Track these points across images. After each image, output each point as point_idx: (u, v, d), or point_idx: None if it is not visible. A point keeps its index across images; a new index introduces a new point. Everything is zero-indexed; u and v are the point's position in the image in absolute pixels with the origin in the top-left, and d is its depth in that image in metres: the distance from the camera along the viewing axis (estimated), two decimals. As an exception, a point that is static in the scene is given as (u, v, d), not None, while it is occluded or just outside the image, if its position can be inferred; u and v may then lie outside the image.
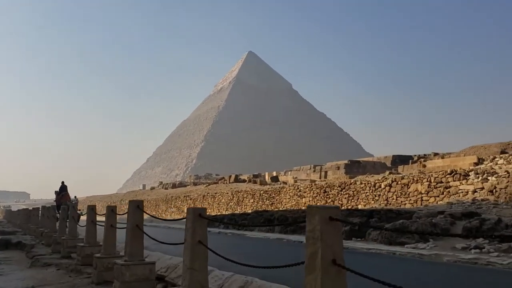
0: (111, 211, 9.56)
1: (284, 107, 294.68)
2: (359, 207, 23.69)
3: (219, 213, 38.26)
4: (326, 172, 67.45)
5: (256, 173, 64.02)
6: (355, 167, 66.83)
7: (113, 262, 9.05)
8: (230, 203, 36.82)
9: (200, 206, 45.04)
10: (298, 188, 29.14)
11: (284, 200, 30.09)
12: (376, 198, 23.21)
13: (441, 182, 20.31)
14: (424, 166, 57.60)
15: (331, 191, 26.20)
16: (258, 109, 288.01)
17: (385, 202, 22.55)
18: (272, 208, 31.27)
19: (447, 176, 20.18)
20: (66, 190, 28.57)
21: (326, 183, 27.63)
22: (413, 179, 21.68)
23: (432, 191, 20.46)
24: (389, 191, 22.77)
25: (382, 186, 23.22)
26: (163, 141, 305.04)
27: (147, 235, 7.34)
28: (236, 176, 56.47)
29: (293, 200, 29.16)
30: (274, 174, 63.44)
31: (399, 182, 22.42)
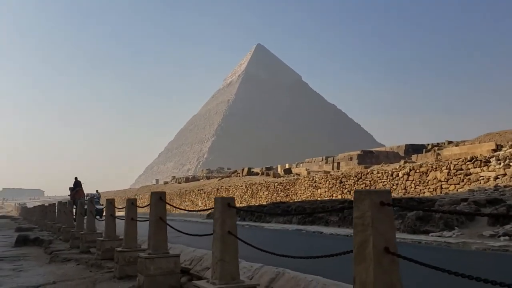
0: (131, 204, 9.38)
1: (294, 99, 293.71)
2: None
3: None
4: (338, 163, 67.02)
5: (268, 166, 63.77)
6: (368, 158, 66.37)
7: (136, 256, 8.91)
8: (245, 196, 36.64)
9: (213, 199, 44.91)
10: (313, 180, 28.85)
11: (299, 192, 29.82)
12: (394, 187, 22.84)
13: (461, 169, 19.90)
14: (439, 154, 57.14)
15: (347, 182, 25.87)
16: (268, 102, 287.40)
17: (403, 191, 22.18)
18: (287, 200, 31.03)
19: (468, 163, 19.76)
20: (80, 186, 28.61)
21: (342, 174, 27.30)
22: (432, 167, 21.28)
23: (452, 178, 20.06)
24: (407, 180, 22.40)
25: (400, 175, 22.85)
26: (174, 136, 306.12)
27: (171, 227, 7.14)
28: (249, 169, 56.29)
29: (308, 192, 28.88)
30: (287, 166, 63.15)
31: (417, 171, 22.03)
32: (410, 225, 12.99)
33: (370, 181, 24.37)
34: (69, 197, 28.81)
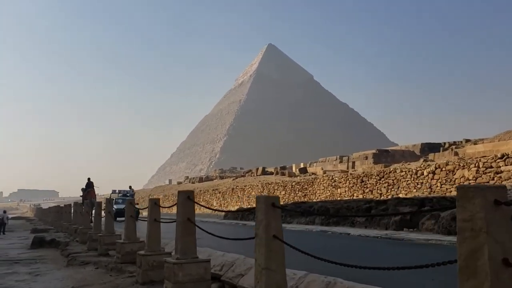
0: (154, 204, 8.80)
1: (305, 99, 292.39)
2: (400, 196, 22.57)
3: (249, 206, 37.53)
4: (353, 163, 66.11)
5: (282, 165, 63.05)
6: (383, 156, 65.36)
7: (160, 260, 8.33)
8: (261, 196, 36.00)
9: (228, 199, 44.55)
10: (332, 179, 28.13)
11: (317, 191, 29.12)
12: (419, 186, 22.06)
13: (491, 167, 19.07)
14: (457, 153, 55.90)
15: (368, 181, 25.11)
16: (280, 102, 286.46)
17: (429, 190, 21.40)
18: (306, 199, 30.33)
19: (498, 160, 18.92)
20: (92, 187, 28.84)
21: (363, 173, 26.53)
22: (459, 165, 20.46)
23: (480, 176, 19.23)
24: (432, 178, 21.59)
25: (425, 173, 22.04)
26: (186, 136, 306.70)
27: (202, 230, 6.53)
28: (263, 168, 55.65)
29: (328, 191, 28.16)
30: (302, 165, 62.40)
31: (443, 169, 21.21)
32: (444, 225, 12.26)
33: (393, 180, 23.59)
34: (81, 198, 29.00)
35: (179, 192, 6.96)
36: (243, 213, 23.89)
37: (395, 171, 23.79)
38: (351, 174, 27.10)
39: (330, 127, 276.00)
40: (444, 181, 20.80)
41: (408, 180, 22.75)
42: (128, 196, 29.23)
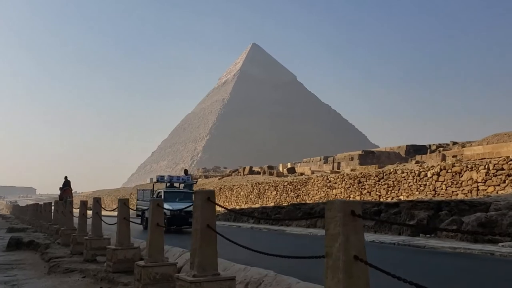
0: (157, 205, 7.46)
1: (289, 99, 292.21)
2: (402, 198, 21.55)
3: (237, 207, 36.24)
4: (339, 163, 65.65)
5: (269, 165, 61.91)
6: (369, 158, 65.08)
7: (166, 273, 7.04)
8: (250, 196, 34.74)
9: (216, 200, 42.99)
10: (327, 179, 27.00)
11: (311, 192, 27.97)
12: (422, 188, 21.06)
13: (502, 169, 18.13)
14: (444, 156, 55.51)
15: (366, 182, 24.04)
16: (263, 101, 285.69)
17: (433, 192, 20.41)
18: (298, 200, 29.19)
19: (510, 162, 17.96)
20: (69, 185, 28.46)
21: (361, 173, 25.45)
22: (467, 167, 19.49)
23: (490, 179, 18.30)
24: (436, 180, 20.60)
25: (429, 174, 21.04)
26: (167, 135, 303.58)
27: (229, 240, 5.22)
28: (251, 168, 54.39)
29: (322, 192, 27.04)
30: (289, 165, 61.37)
31: (449, 170, 20.23)
32: (470, 232, 11.07)
33: (393, 181, 22.56)
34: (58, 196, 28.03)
35: (196, 192, 5.64)
36: (235, 214, 22.60)
37: (396, 172, 22.76)
38: (347, 174, 26.01)
39: (312, 128, 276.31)
40: (450, 183, 19.83)
41: (410, 182, 21.75)
42: (187, 181, 21.27)
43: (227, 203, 38.24)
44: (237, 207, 36.31)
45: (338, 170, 48.60)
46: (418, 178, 21.45)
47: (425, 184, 20.98)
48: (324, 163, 68.50)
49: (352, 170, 47.76)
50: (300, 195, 28.80)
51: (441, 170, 20.70)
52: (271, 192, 31.86)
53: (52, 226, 18.41)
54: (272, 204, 30.77)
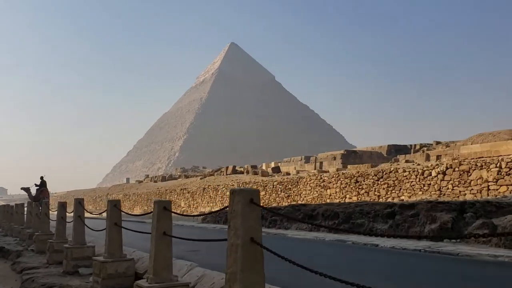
0: (163, 208, 5.83)
1: (267, 99, 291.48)
2: (403, 198, 20.33)
3: (223, 208, 34.63)
4: (321, 163, 64.87)
5: (252, 164, 60.48)
6: (351, 157, 64.49)
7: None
8: (236, 196, 33.12)
9: (199, 200, 41.41)
10: (321, 179, 25.63)
11: (303, 192, 26.56)
12: (425, 188, 19.87)
13: (516, 167, 17.06)
14: (428, 155, 54.93)
15: (364, 181, 22.76)
16: (241, 101, 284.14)
17: (438, 192, 19.24)
18: (289, 200, 27.77)
19: (524, 160, 16.90)
20: (45, 186, 27.49)
21: (358, 172, 24.14)
22: (476, 165, 18.36)
23: (503, 178, 17.20)
24: (442, 180, 19.45)
25: (433, 173, 19.86)
26: (143, 134, 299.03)
27: (287, 260, 3.68)
28: (234, 167, 52.76)
29: (315, 192, 25.66)
30: (273, 165, 60.11)
31: (456, 169, 19.08)
32: (509, 238, 9.84)
33: (394, 180, 21.32)
34: (32, 197, 26.93)
35: (232, 191, 4.06)
36: (226, 216, 20.96)
37: (397, 171, 21.52)
38: (343, 173, 24.67)
39: (291, 127, 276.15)
40: (457, 182, 18.70)
41: (412, 181, 20.54)
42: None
43: (211, 204, 36.61)
44: (222, 208, 34.72)
45: (324, 170, 47.45)
46: (421, 177, 20.26)
47: (429, 184, 19.81)
48: (305, 162, 67.62)
49: (338, 169, 46.71)
50: (291, 195, 27.38)
51: (447, 168, 19.53)
52: (260, 192, 30.34)
53: (25, 230, 16.48)
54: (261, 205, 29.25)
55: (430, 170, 20.14)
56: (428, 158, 50.61)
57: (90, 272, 9.25)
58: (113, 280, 7.53)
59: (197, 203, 38.43)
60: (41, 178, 27.65)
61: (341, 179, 24.02)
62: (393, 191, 21.27)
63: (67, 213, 11.80)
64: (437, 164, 20.63)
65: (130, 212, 47.22)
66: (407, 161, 44.53)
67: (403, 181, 20.94)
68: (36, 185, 28.33)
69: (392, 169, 22.12)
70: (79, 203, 10.03)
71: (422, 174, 20.30)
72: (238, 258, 3.72)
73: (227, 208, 4.09)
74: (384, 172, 22.11)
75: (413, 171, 20.73)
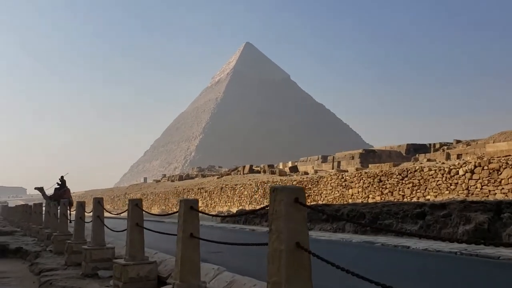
0: (190, 208, 5.37)
1: (282, 98, 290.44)
2: (429, 198, 19.63)
3: (241, 207, 34.20)
4: (339, 162, 64.25)
5: (270, 164, 59.97)
6: (370, 157, 63.80)
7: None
8: (255, 196, 32.68)
9: (216, 199, 41.08)
10: (342, 178, 25.02)
11: (324, 192, 25.98)
12: (452, 187, 19.15)
13: (553, 166, 16.28)
14: (449, 154, 53.83)
15: (388, 180, 22.09)
16: (256, 101, 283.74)
17: (465, 192, 18.52)
18: (309, 201, 27.19)
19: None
20: (65, 185, 27.45)
21: (381, 171, 23.49)
22: (507, 163, 17.60)
23: (537, 177, 16.46)
24: (470, 178, 18.71)
25: (461, 172, 19.13)
26: (160, 134, 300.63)
27: (335, 265, 3.18)
28: (251, 166, 52.33)
29: (336, 192, 25.05)
30: (290, 164, 59.54)
31: (485, 167, 18.34)
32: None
33: (419, 179, 20.63)
34: (47, 196, 27.00)
35: (275, 189, 3.57)
36: (246, 216, 20.53)
37: (422, 170, 20.83)
38: (366, 172, 24.04)
39: (306, 127, 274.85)
40: (486, 181, 17.96)
41: (438, 180, 19.84)
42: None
43: (229, 203, 36.22)
44: (240, 208, 34.29)
45: (343, 170, 46.75)
46: (448, 176, 19.54)
47: (457, 183, 19.09)
48: (323, 162, 67.08)
49: (357, 169, 45.99)
50: (311, 195, 26.80)
51: (475, 167, 18.79)
52: (304, 191, 29.80)
53: (43, 230, 16.23)
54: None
55: (457, 169, 19.41)
56: (448, 157, 49.63)
57: (109, 275, 8.88)
58: (134, 284, 7.11)
59: (214, 203, 38.07)
60: (62, 177, 27.83)
61: (364, 179, 23.38)
62: (418, 190, 20.58)
63: (85, 213, 11.45)
64: (464, 163, 19.87)
65: (148, 212, 47.19)
66: (428, 160, 43.65)
67: (428, 180, 20.24)
68: (58, 184, 28.28)
69: (417, 168, 21.43)
70: (98, 203, 9.64)
71: (449, 172, 19.57)
72: (282, 266, 3.24)
73: (267, 208, 3.60)
74: (409, 171, 21.42)
75: (439, 170, 20.02)
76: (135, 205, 7.44)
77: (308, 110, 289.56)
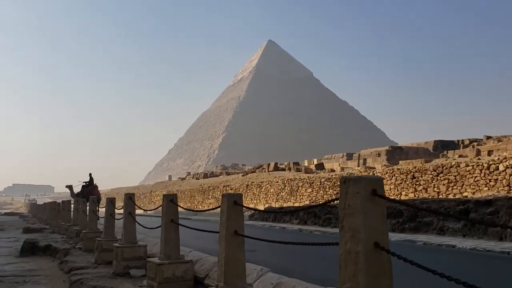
0: (234, 203, 4.91)
1: (305, 96, 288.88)
2: (467, 195, 18.79)
3: (267, 205, 33.74)
4: (365, 160, 63.29)
5: (295, 161, 59.37)
6: (397, 154, 62.61)
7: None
8: (281, 193, 32.17)
9: (243, 197, 40.74)
10: (374, 175, 24.27)
11: (354, 189, 25.25)
12: (491, 183, 18.29)
13: None
14: (479, 150, 52.34)
15: (422, 177, 21.30)
16: (279, 99, 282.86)
17: (506, 188, 17.64)
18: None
19: None
20: (93, 183, 27.82)
21: (415, 167, 22.68)
22: (554, 158, 16.68)
23: None
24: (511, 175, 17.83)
25: (501, 167, 18.25)
26: (184, 132, 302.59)
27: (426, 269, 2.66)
28: (276, 164, 51.81)
29: (367, 189, 24.30)
30: (315, 161, 58.84)
31: (528, 163, 17.44)
32: None
33: (455, 176, 19.79)
34: (74, 194, 27.35)
35: (356, 180, 3.07)
36: (275, 214, 20.05)
37: (458, 166, 19.97)
38: (398, 169, 23.26)
39: (330, 124, 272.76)
40: (530, 178, 17.09)
41: (476, 176, 18.98)
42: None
43: (255, 201, 35.79)
44: (267, 205, 33.84)
45: (370, 167, 45.83)
46: (487, 172, 18.66)
47: (496, 179, 18.22)
48: (348, 159, 66.21)
49: (384, 166, 45.01)
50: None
51: (518, 162, 17.91)
52: (306, 190, 29.23)
53: (72, 227, 16.07)
54: (307, 202, 28.22)
55: (497, 164, 18.52)
56: (479, 153, 48.22)
57: (142, 274, 8.51)
58: (170, 285, 6.70)
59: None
60: (90, 175, 28.28)
61: (396, 175, 22.60)
62: (455, 187, 19.74)
63: (116, 210, 11.14)
64: (504, 158, 18.94)
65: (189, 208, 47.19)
66: (460, 156, 42.43)
67: (465, 176, 19.38)
68: (84, 182, 28.71)
69: (453, 163, 20.55)
70: (130, 199, 9.28)
71: (488, 168, 18.68)
72: (360, 270, 2.73)
73: (336, 201, 3.10)
74: (444, 167, 20.56)
75: (477, 166, 19.14)
76: (170, 201, 7.02)
77: (331, 108, 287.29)
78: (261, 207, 33.83)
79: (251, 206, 36.14)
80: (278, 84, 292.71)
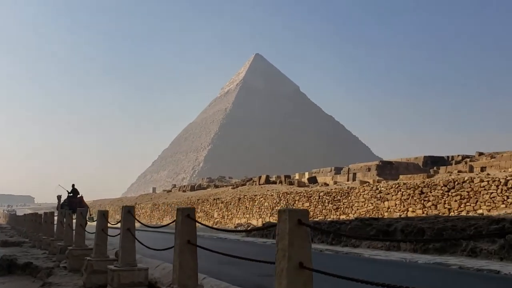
0: (187, 216, 3.52)
1: (291, 110, 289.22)
2: (482, 212, 17.63)
3: (261, 219, 32.26)
4: (354, 174, 62.54)
5: (286, 174, 58.18)
6: (387, 169, 62.09)
7: None
8: (276, 207, 30.73)
9: (234, 211, 39.22)
10: (377, 189, 23.04)
11: (355, 204, 23.99)
12: (510, 200, 17.15)
13: None
14: (472, 167, 51.74)
15: (430, 192, 20.10)
16: (265, 112, 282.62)
17: (526, 206, 16.54)
18: (338, 214, 25.26)
19: None
20: (78, 194, 27.49)
21: (423, 182, 21.49)
22: None
23: None
24: (531, 191, 16.76)
25: (518, 183, 17.17)
26: (168, 144, 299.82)
27: None
28: (267, 176, 50.47)
29: (370, 204, 23.06)
30: (307, 175, 57.78)
31: (548, 179, 16.38)
32: None
33: (468, 191, 18.64)
34: (59, 204, 26.56)
35: None
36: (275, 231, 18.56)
37: (472, 181, 18.83)
38: (404, 183, 22.05)
39: (315, 139, 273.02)
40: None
41: (492, 193, 17.85)
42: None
43: (247, 215, 34.29)
44: (261, 220, 32.41)
45: (365, 181, 44.80)
46: (504, 188, 17.55)
47: (515, 195, 17.13)
48: (336, 173, 65.47)
49: (374, 181, 44.09)
50: (341, 208, 24.83)
51: (537, 178, 16.85)
52: (303, 204, 27.86)
53: (55, 242, 14.42)
54: (314, 219, 26.85)
55: (515, 180, 17.46)
56: (471, 169, 47.59)
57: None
58: (186, 324, 5.24)
59: (231, 214, 36.16)
60: (73, 186, 27.45)
61: (402, 190, 21.39)
62: (468, 203, 18.58)
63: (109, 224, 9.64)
64: (523, 173, 17.89)
65: (159, 223, 45.20)
66: (457, 172, 41.60)
67: (480, 192, 18.26)
68: (68, 192, 27.69)
69: (466, 178, 19.41)
70: (129, 212, 7.80)
71: (505, 184, 17.58)
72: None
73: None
74: (456, 182, 19.41)
75: (493, 181, 18.03)
76: (187, 216, 5.58)
77: (317, 122, 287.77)
78: (255, 222, 32.38)
79: (243, 220, 34.66)
80: (265, 97, 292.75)
